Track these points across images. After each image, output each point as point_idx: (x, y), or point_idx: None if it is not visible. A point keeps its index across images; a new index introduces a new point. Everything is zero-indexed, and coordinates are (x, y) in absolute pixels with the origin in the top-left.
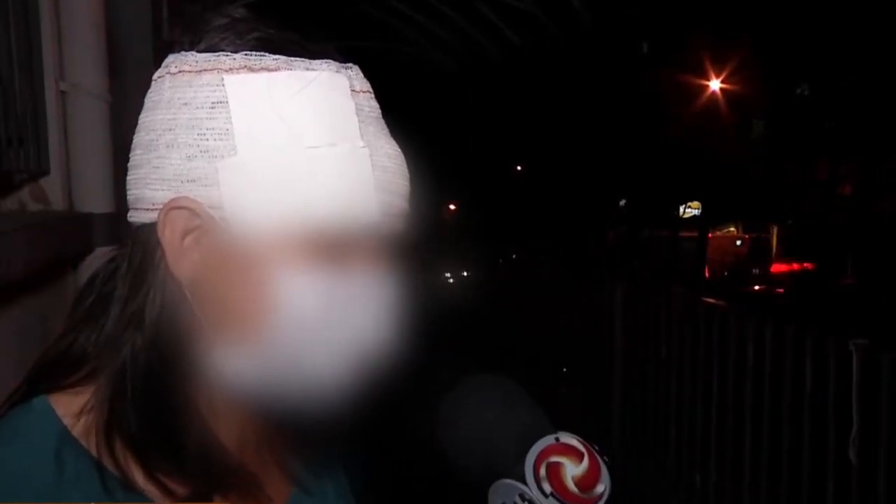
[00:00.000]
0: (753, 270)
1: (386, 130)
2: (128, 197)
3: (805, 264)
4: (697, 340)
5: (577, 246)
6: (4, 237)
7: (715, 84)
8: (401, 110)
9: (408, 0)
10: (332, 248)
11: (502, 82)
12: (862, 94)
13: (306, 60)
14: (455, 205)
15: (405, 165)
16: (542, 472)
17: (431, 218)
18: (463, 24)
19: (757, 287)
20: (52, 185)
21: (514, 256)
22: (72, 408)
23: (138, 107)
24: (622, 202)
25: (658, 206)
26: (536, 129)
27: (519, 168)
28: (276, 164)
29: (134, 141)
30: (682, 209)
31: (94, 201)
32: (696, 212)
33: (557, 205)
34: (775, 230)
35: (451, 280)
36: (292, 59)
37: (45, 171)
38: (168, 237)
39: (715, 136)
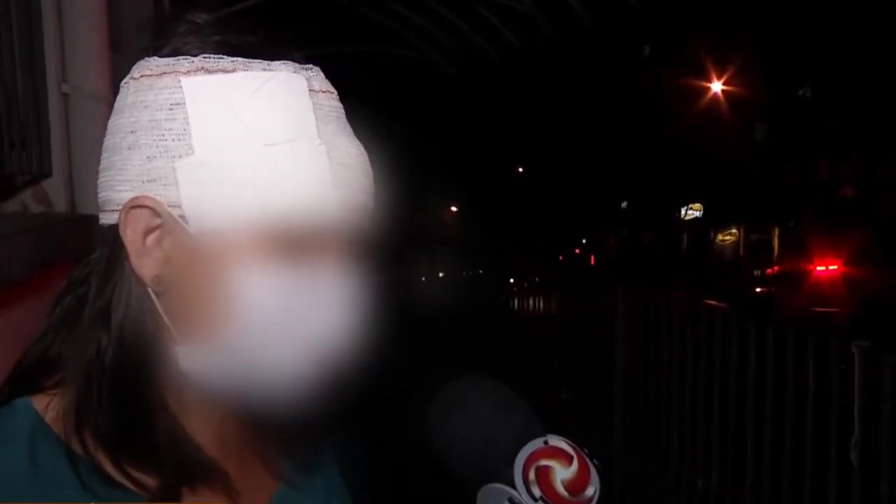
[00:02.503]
0: (755, 272)
1: (348, 130)
2: (98, 200)
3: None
4: (699, 342)
5: (578, 247)
6: (6, 239)
7: (716, 86)
8: (402, 113)
9: (409, 4)
10: (292, 244)
11: (503, 85)
12: (862, 95)
13: (264, 62)
14: (456, 206)
15: (367, 163)
16: (532, 475)
17: (433, 220)
18: (463, 27)
19: (758, 289)
20: (54, 187)
21: (516, 257)
22: (52, 407)
23: None
24: (623, 204)
25: (659, 208)
26: (537, 131)
27: (521, 170)
28: (233, 162)
29: (103, 145)
30: (683, 211)
31: (96, 203)
32: (697, 213)
33: (558, 206)
34: (777, 231)
35: (453, 281)
36: (250, 60)
37: (47, 174)
38: (130, 236)
39: (716, 137)
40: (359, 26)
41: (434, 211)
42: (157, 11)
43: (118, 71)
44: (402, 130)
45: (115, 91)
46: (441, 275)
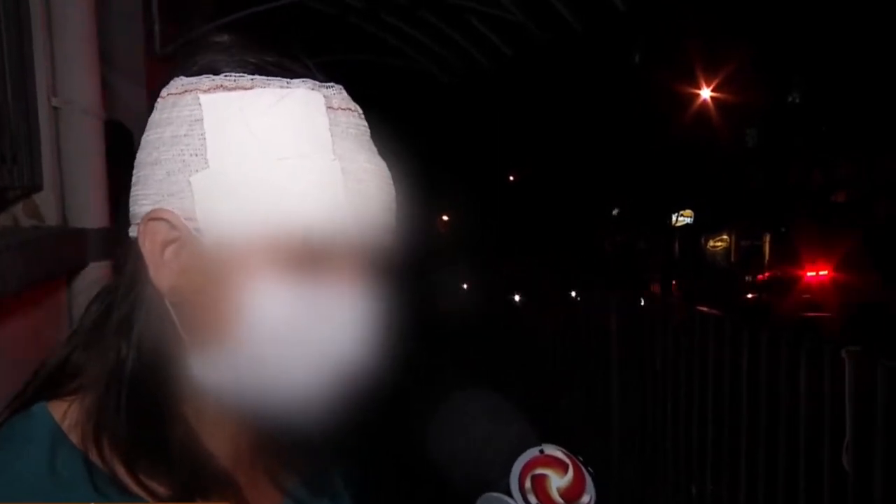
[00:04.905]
0: (746, 278)
1: (369, 146)
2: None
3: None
4: (693, 349)
5: (573, 255)
6: None
7: (706, 92)
8: (394, 122)
9: (400, 16)
10: (304, 257)
11: (495, 93)
12: (856, 98)
13: (283, 80)
14: (448, 216)
15: (387, 180)
16: (528, 484)
17: (425, 230)
18: (457, 38)
19: (749, 295)
20: (45, 200)
21: (509, 267)
22: (69, 414)
23: (130, 121)
24: (615, 211)
25: (650, 215)
26: (529, 140)
27: (512, 178)
28: (246, 176)
29: (135, 161)
30: (674, 217)
31: (88, 216)
32: (688, 220)
33: (551, 214)
34: (768, 237)
35: (447, 291)
36: (270, 78)
37: (38, 187)
38: (148, 248)
39: (706, 144)
40: (348, 36)
41: (426, 220)
42: (147, 25)
43: (108, 85)
44: (394, 140)
45: (106, 105)
46: (441, 284)
